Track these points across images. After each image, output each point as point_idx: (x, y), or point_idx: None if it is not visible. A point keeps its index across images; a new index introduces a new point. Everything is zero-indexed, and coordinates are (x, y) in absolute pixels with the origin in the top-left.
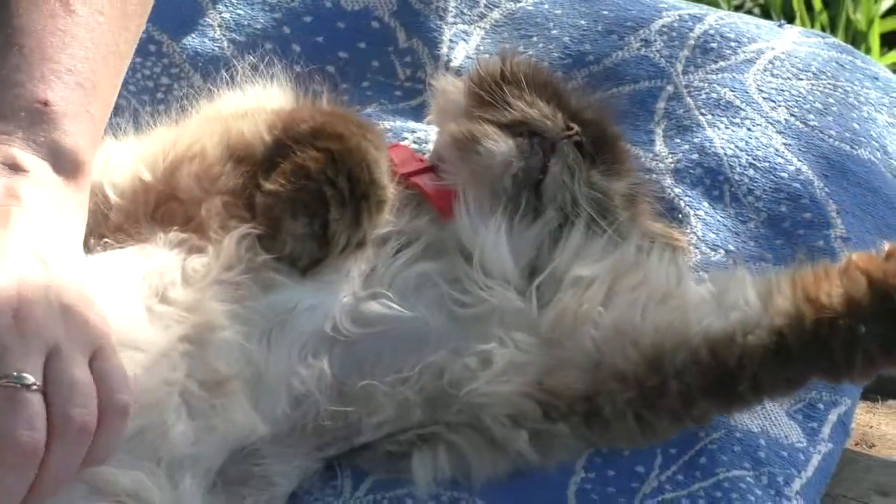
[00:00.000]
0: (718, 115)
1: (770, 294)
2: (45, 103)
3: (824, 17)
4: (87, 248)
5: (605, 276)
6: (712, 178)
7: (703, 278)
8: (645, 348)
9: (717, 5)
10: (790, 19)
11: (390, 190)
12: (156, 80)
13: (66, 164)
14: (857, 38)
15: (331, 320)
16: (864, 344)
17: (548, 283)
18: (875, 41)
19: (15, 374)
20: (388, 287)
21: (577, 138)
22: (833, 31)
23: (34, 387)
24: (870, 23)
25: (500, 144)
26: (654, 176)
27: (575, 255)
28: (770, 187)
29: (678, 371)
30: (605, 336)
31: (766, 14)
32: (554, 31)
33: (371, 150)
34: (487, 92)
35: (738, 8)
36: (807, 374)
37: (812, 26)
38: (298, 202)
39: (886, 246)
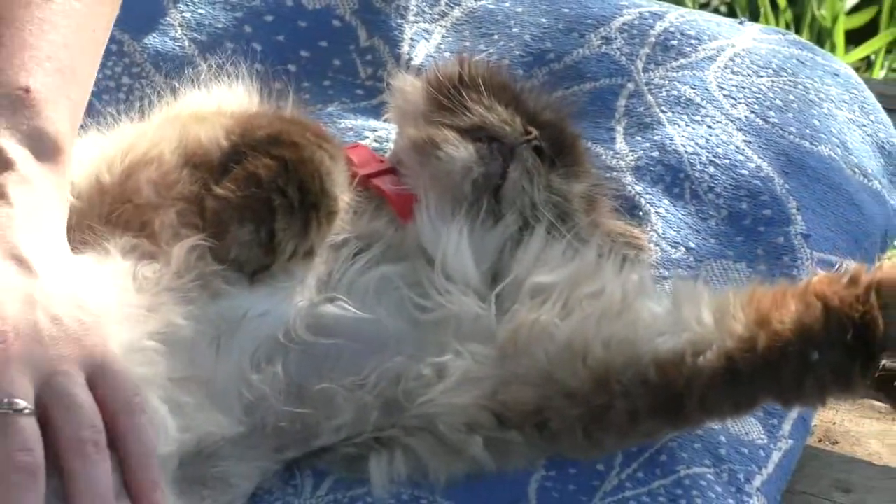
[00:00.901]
0: (679, 113)
1: (725, 314)
2: (27, 90)
3: (789, 15)
4: None
5: (564, 284)
6: (673, 176)
7: (662, 287)
8: (594, 365)
9: (681, 3)
10: (755, 17)
11: (342, 201)
12: (117, 80)
13: (48, 151)
14: (822, 35)
15: (283, 326)
16: (815, 371)
17: (507, 290)
18: (840, 38)
19: (6, 400)
20: (346, 291)
21: (536, 142)
22: (798, 29)
23: (26, 411)
24: (835, 20)
25: (459, 150)
26: (615, 174)
27: (535, 260)
28: (730, 184)
29: (626, 390)
30: (558, 352)
31: (731, 12)
32: (515, 29)
33: (325, 160)
34: (446, 96)
35: (704, 6)
36: (756, 398)
37: (777, 24)
38: (246, 209)
39: (852, 268)
